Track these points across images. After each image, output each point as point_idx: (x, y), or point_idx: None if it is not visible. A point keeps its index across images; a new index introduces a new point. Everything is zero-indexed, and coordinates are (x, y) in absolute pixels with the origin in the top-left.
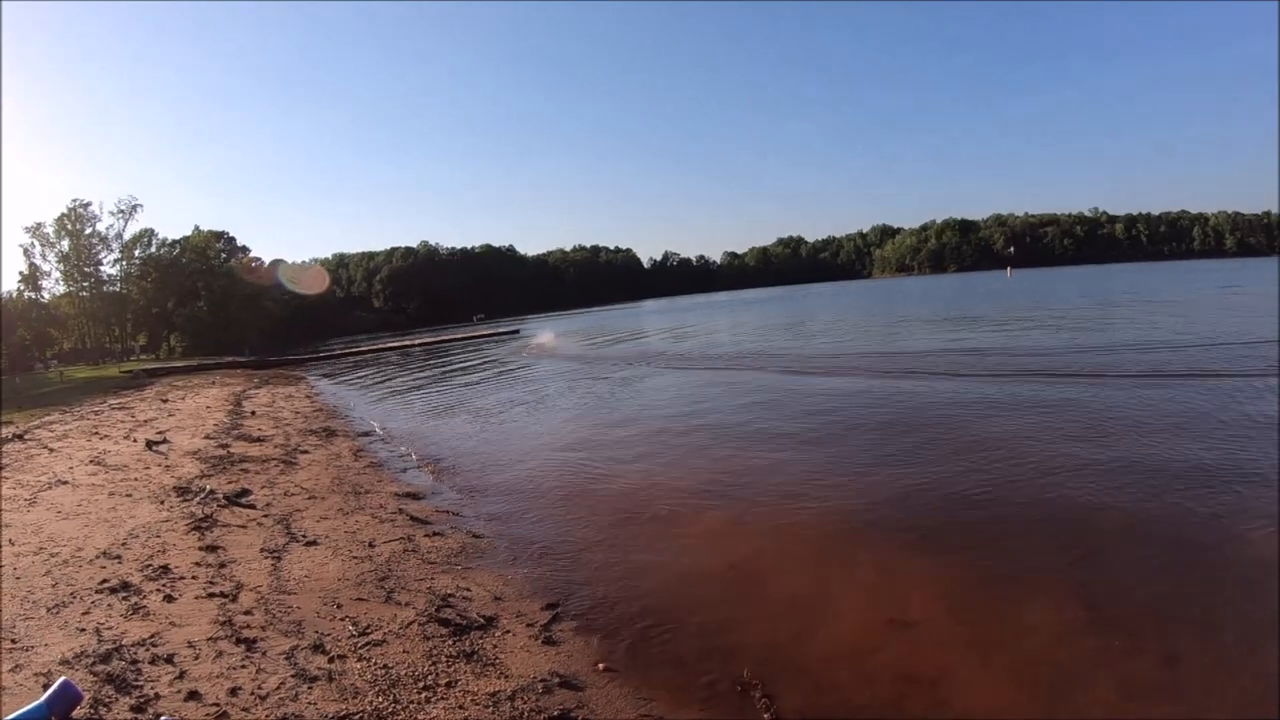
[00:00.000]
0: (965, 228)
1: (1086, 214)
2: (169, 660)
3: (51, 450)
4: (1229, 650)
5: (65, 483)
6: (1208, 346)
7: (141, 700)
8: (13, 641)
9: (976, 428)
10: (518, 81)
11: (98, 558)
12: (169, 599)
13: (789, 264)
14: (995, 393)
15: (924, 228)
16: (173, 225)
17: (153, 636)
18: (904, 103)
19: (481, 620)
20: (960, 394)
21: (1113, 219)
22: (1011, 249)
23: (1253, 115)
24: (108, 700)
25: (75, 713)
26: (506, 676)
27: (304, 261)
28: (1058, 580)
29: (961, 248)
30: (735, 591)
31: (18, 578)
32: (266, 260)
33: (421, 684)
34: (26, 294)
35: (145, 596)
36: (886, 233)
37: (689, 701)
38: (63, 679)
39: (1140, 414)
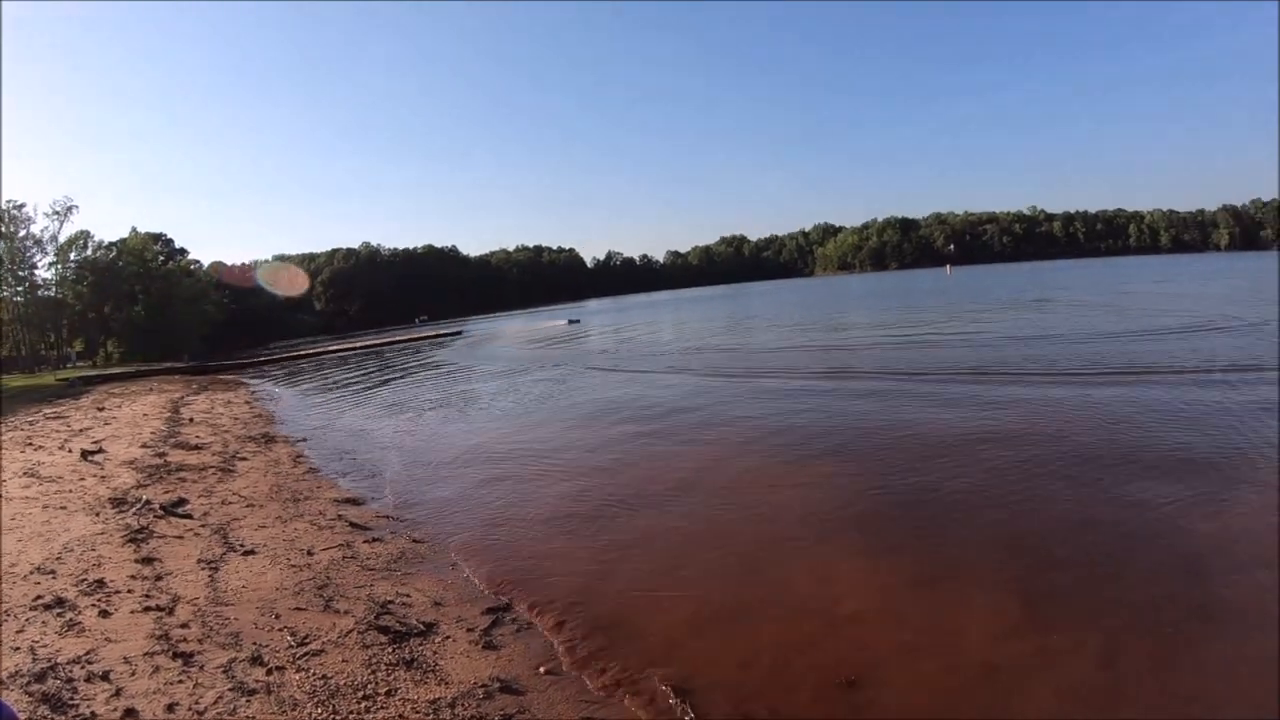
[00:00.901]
0: (906, 226)
1: (1025, 212)
2: (105, 677)
3: None
4: (1168, 643)
5: None
6: (1140, 338)
7: (77, 719)
8: None
9: (908, 429)
10: (459, 80)
11: (32, 573)
12: (104, 614)
13: (732, 263)
14: (926, 393)
15: (865, 226)
16: (108, 228)
17: (88, 653)
18: (846, 104)
19: (421, 626)
20: (891, 395)
21: (1050, 217)
22: (952, 247)
23: (1192, 116)
24: None
25: None
26: (447, 683)
27: (245, 263)
28: (994, 577)
29: (902, 246)
30: (673, 593)
31: None
32: (206, 262)
33: (361, 693)
34: None
35: (80, 612)
36: (828, 231)
37: (630, 704)
38: None
39: (1071, 410)
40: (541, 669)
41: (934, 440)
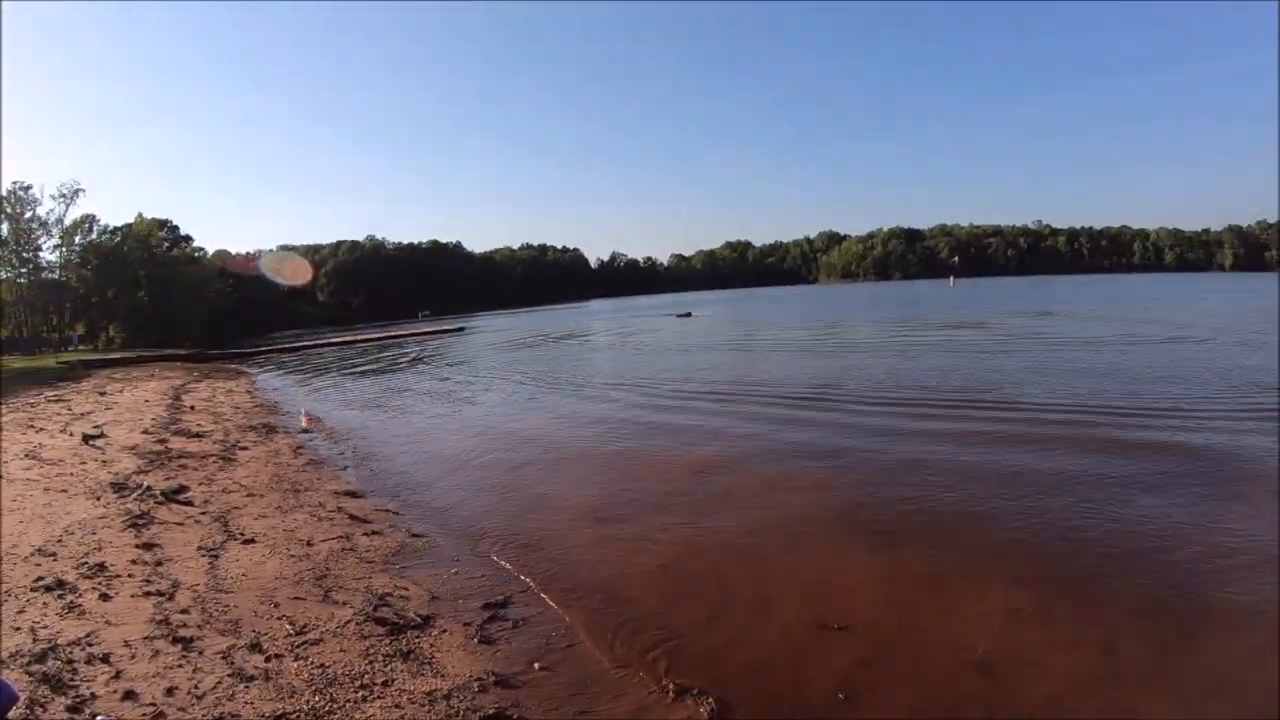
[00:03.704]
0: (911, 236)
1: (1030, 226)
2: (105, 659)
3: None
4: (1167, 640)
5: None
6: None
7: (78, 700)
8: None
9: (913, 440)
10: (468, 78)
11: (33, 555)
12: (105, 597)
13: (736, 268)
14: (930, 406)
15: (870, 235)
16: (114, 212)
17: (89, 635)
18: (855, 111)
19: (418, 619)
20: (898, 411)
21: (1055, 232)
22: (956, 258)
23: (1201, 136)
24: (44, 700)
25: (11, 713)
26: (442, 675)
27: (248, 252)
28: (1002, 574)
29: (907, 256)
30: (675, 591)
31: None
32: (210, 250)
33: (358, 683)
34: None
35: (81, 595)
36: (833, 239)
37: (625, 701)
38: None
39: (1075, 425)
40: (537, 665)
41: (936, 450)
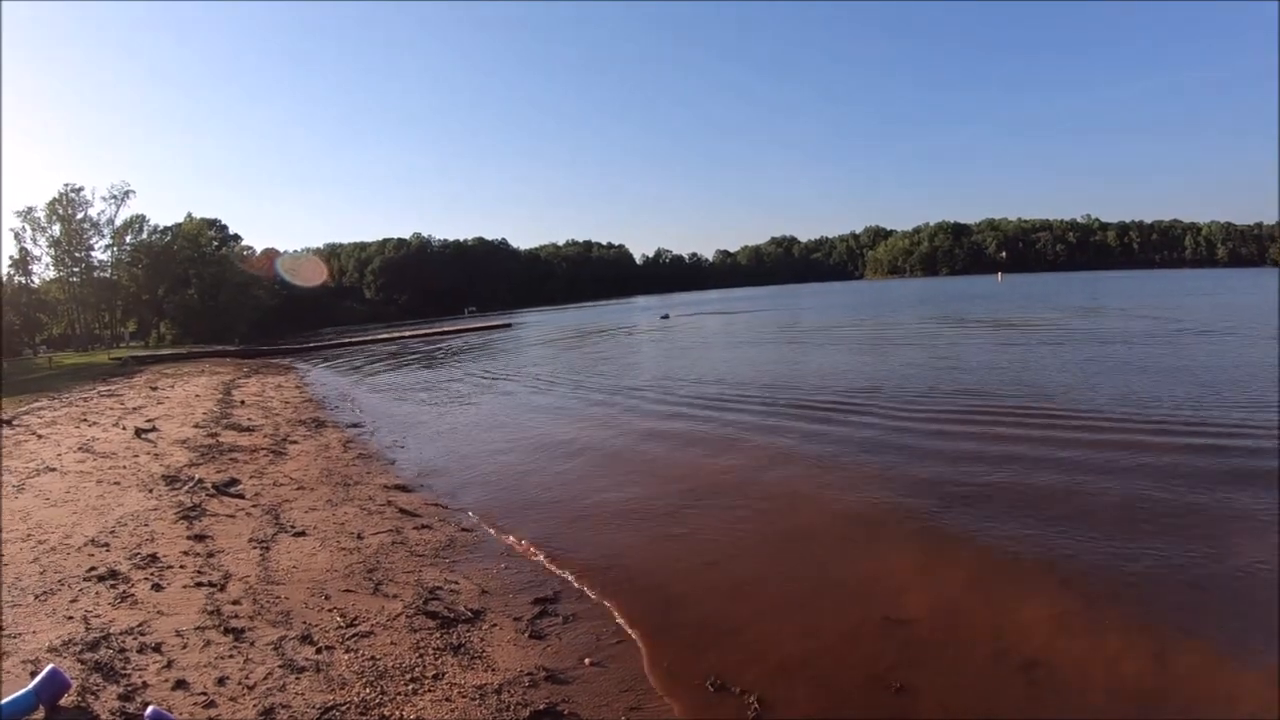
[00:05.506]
0: (958, 231)
1: (1079, 220)
2: (157, 649)
3: (40, 437)
4: (1219, 653)
5: (53, 469)
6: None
7: (129, 689)
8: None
9: (965, 441)
10: (513, 76)
11: (86, 545)
12: (157, 587)
13: (781, 263)
14: (985, 410)
15: (916, 230)
16: (164, 212)
17: (140, 625)
18: (899, 106)
19: (469, 613)
20: (948, 412)
21: (1105, 226)
22: (1004, 254)
23: (1249, 127)
24: (95, 688)
25: (63, 700)
26: (493, 670)
27: (296, 251)
28: (1054, 576)
29: (954, 251)
30: (726, 589)
31: (5, 564)
32: (259, 249)
33: (408, 676)
34: (16, 278)
35: (133, 585)
36: (879, 234)
37: (676, 699)
38: (50, 666)
39: (1141, 423)
40: (588, 660)
41: (992, 443)
